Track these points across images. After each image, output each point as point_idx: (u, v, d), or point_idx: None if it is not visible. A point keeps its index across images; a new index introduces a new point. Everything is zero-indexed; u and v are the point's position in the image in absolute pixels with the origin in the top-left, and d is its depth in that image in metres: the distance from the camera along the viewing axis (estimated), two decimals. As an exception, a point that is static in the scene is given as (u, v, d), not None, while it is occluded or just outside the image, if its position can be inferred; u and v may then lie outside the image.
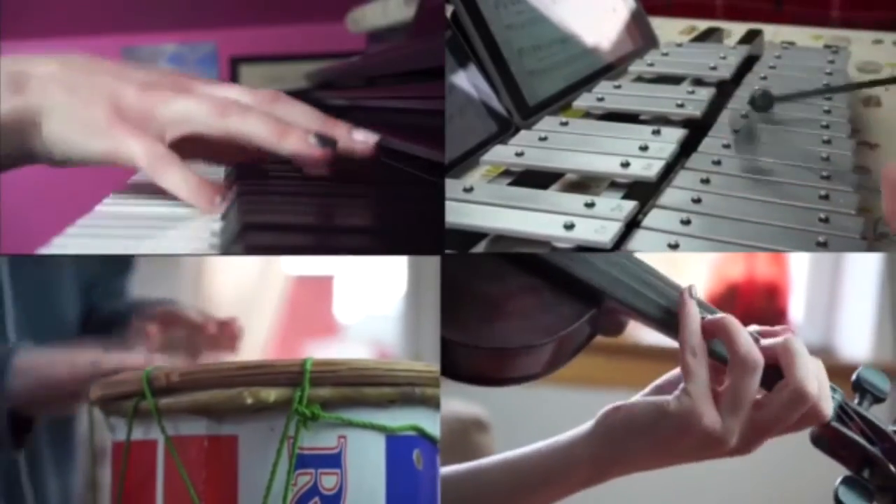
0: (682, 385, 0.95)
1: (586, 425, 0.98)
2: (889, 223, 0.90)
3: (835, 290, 3.07)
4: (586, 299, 0.98)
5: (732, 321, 0.96)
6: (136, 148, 1.01)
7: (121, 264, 1.49)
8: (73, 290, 1.43)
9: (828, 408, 0.96)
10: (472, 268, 0.97)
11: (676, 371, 1.00)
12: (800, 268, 3.07)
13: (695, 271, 3.04)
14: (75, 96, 1.01)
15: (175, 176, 1.03)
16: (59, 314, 1.40)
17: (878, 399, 1.02)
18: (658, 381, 1.02)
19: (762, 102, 1.32)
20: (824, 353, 3.02)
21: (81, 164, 1.04)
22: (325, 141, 1.08)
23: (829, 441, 0.99)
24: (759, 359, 0.94)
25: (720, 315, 0.97)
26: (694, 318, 0.96)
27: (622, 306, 0.98)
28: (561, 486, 0.99)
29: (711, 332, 0.96)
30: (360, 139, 1.12)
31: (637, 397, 0.99)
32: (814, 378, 0.95)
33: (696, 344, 0.95)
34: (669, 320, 0.98)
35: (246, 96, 1.07)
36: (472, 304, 0.95)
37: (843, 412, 0.99)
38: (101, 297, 1.45)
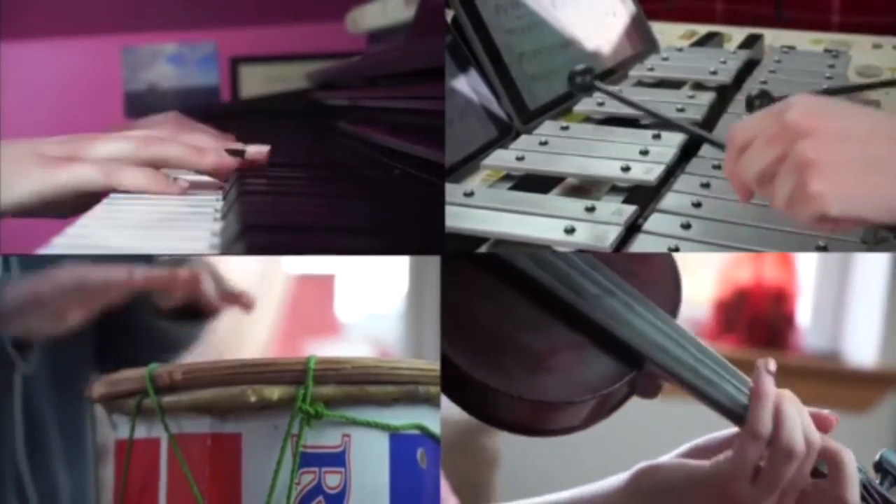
0: (729, 454, 0.96)
1: (620, 480, 1.00)
2: (732, 184, 0.91)
3: (842, 294, 3.07)
4: (628, 361, 0.99)
5: (787, 403, 0.97)
6: (84, 172, 1.10)
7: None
8: None
9: (851, 493, 0.98)
10: (517, 317, 0.98)
11: (718, 436, 1.02)
12: (807, 272, 3.07)
13: (703, 276, 3.05)
14: (4, 160, 1.09)
15: (131, 176, 1.13)
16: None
17: None
18: (696, 443, 1.03)
19: (760, 104, 1.32)
20: (832, 357, 3.02)
21: (37, 208, 1.11)
22: (235, 153, 1.23)
23: None
24: (802, 450, 0.96)
25: (778, 392, 0.98)
26: (769, 401, 0.97)
27: (663, 371, 1.00)
28: None
29: None
30: (254, 150, 1.26)
31: (671, 457, 1.01)
32: (800, 435, 0.96)
33: (762, 431, 0.96)
34: (710, 391, 0.99)
35: (149, 129, 1.22)
36: (516, 354, 0.96)
37: (866, 492, 1.02)
38: None
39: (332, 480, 0.91)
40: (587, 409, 0.98)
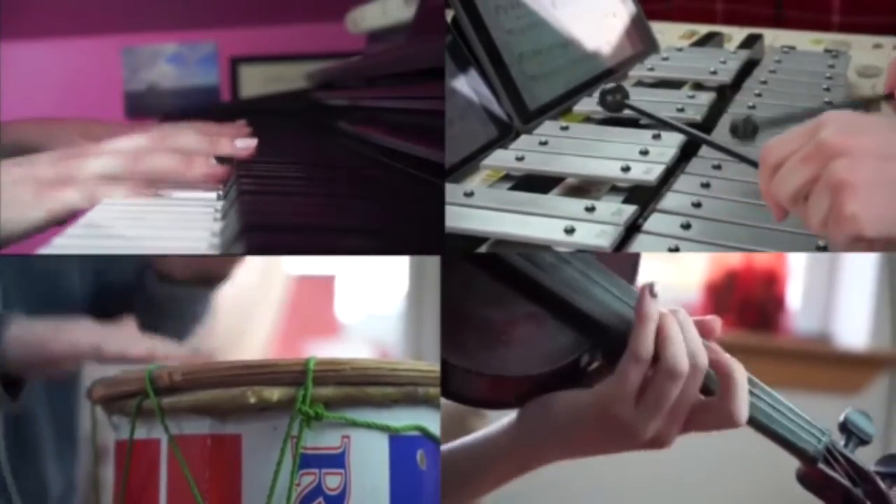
0: (610, 377, 0.95)
1: (512, 416, 0.99)
2: (768, 205, 0.91)
3: (833, 277, 3.08)
4: (587, 331, 0.98)
5: (670, 322, 0.96)
6: (71, 196, 1.14)
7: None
8: (79, 274, 1.44)
9: (739, 414, 0.97)
10: (475, 292, 0.97)
11: None
12: (798, 255, 3.07)
13: (694, 259, 3.05)
14: (3, 190, 1.12)
15: (118, 197, 1.16)
16: (64, 294, 1.42)
17: (863, 441, 1.05)
18: None
19: (745, 130, 1.31)
20: (822, 340, 3.03)
21: (33, 234, 1.14)
22: (222, 160, 1.27)
23: (815, 481, 1.03)
24: (685, 369, 0.94)
25: (665, 312, 0.96)
26: (651, 322, 0.95)
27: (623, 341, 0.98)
28: (486, 477, 1.00)
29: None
30: (242, 146, 1.30)
31: None
32: (683, 356, 0.94)
33: (644, 353, 0.94)
34: None
35: (141, 140, 1.23)
36: (474, 329, 0.96)
37: (829, 454, 1.03)
38: (111, 280, 1.45)
39: (331, 482, 0.91)
40: (546, 380, 0.97)
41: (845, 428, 1.05)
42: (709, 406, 0.97)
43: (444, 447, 1.01)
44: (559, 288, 0.97)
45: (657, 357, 0.94)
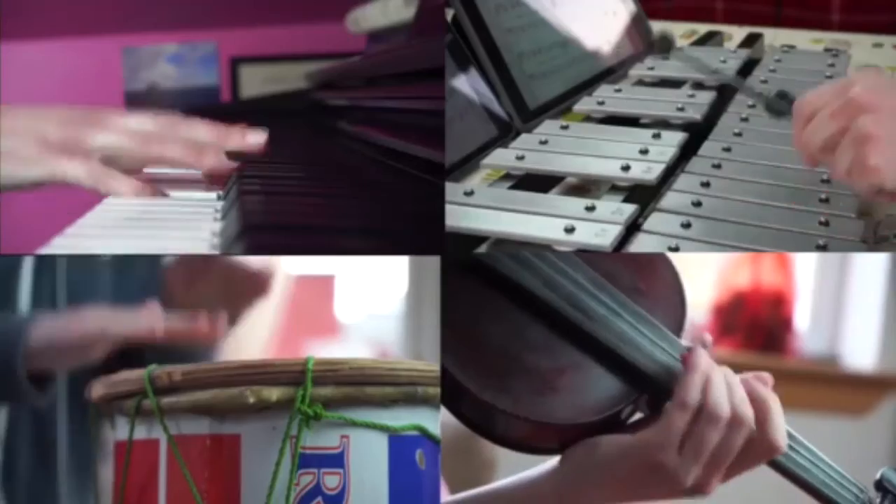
0: (656, 424, 0.95)
1: (554, 460, 0.99)
2: (799, 152, 0.97)
3: (841, 298, 3.07)
4: (634, 382, 0.98)
5: (715, 371, 0.97)
6: (75, 168, 1.11)
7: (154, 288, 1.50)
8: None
9: (778, 439, 0.98)
10: (525, 339, 0.97)
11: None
12: (805, 275, 3.07)
13: (701, 279, 3.05)
14: (4, 134, 1.10)
15: (120, 184, 1.14)
16: None
17: None
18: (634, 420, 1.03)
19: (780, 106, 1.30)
20: (830, 361, 3.02)
21: (24, 191, 1.13)
22: (233, 155, 1.24)
23: None
24: (726, 414, 0.95)
25: (711, 364, 0.97)
26: (699, 372, 0.96)
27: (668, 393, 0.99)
28: None
29: None
30: (253, 140, 1.25)
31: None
32: (724, 400, 0.95)
33: (690, 401, 0.95)
34: None
35: (153, 124, 1.19)
36: (523, 375, 0.95)
37: None
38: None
39: (330, 481, 0.91)
40: (591, 430, 0.97)
41: (881, 486, 1.06)
42: (749, 443, 0.97)
43: (486, 489, 1.02)
44: (609, 339, 0.98)
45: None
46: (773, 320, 3.02)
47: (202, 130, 1.22)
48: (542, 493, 0.99)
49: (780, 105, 1.11)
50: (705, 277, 3.05)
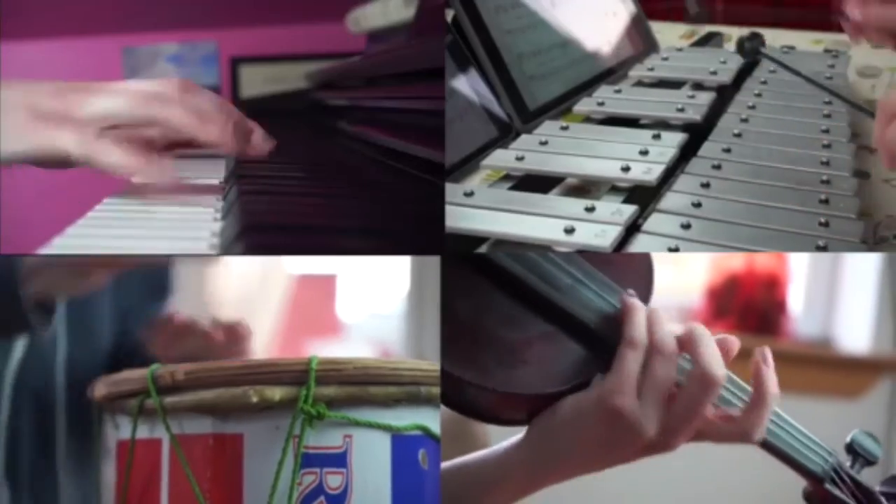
0: (608, 373, 0.95)
1: (522, 432, 0.99)
2: (880, 151, 0.94)
3: (834, 281, 3.07)
4: (601, 351, 0.98)
5: (654, 312, 0.97)
6: (64, 138, 1.04)
7: (158, 291, 1.48)
8: (109, 317, 1.44)
9: (756, 426, 0.98)
10: (493, 312, 0.97)
11: None
12: (799, 259, 3.07)
13: (695, 263, 3.05)
14: None
15: (112, 153, 1.05)
16: (95, 341, 1.42)
17: (869, 462, 1.06)
18: None
19: (751, 46, 1.31)
20: (824, 343, 3.02)
21: (14, 164, 1.06)
22: (240, 131, 1.16)
23: (821, 501, 1.04)
24: (674, 347, 0.95)
25: (646, 306, 0.98)
26: (640, 312, 0.96)
27: None
28: (498, 494, 0.99)
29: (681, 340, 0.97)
30: (257, 142, 1.20)
31: None
32: (719, 364, 0.95)
33: (639, 338, 0.95)
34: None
35: (157, 85, 1.11)
36: (490, 346, 0.96)
37: (836, 475, 1.03)
38: (135, 323, 1.44)
39: (333, 481, 0.91)
40: (560, 397, 0.97)
41: (852, 449, 1.05)
42: (730, 417, 0.97)
43: (456, 462, 1.01)
44: (575, 309, 0.98)
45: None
46: (766, 303, 3.03)
47: (213, 100, 1.15)
48: (511, 462, 0.98)
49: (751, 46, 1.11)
50: (699, 260, 3.05)
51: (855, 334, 2.99)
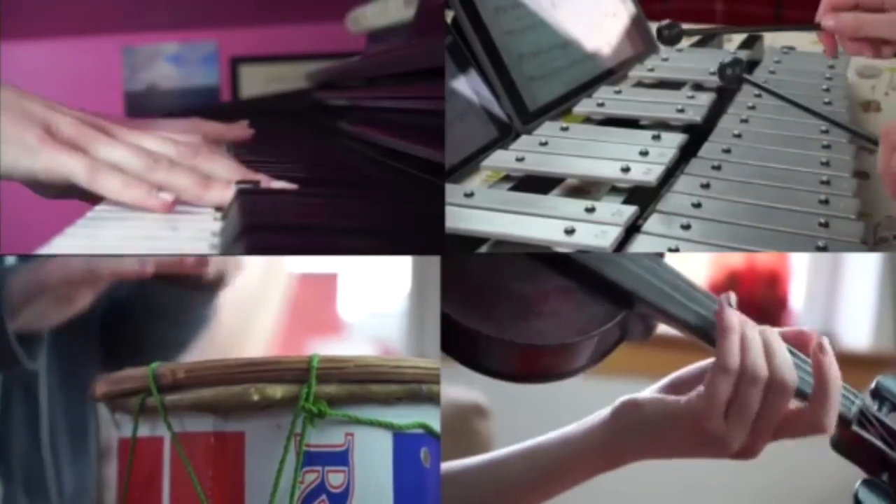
0: (701, 390, 0.96)
1: (601, 415, 1.01)
2: (884, 181, 0.94)
3: (835, 277, 3.07)
4: (618, 301, 0.99)
5: (750, 331, 0.98)
6: (73, 163, 1.07)
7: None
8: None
9: (825, 422, 0.98)
10: (506, 267, 0.98)
11: (694, 367, 1.03)
12: (800, 256, 3.07)
13: (695, 259, 3.04)
14: (6, 119, 1.06)
15: (115, 185, 1.09)
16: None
17: None
18: (675, 376, 1.04)
19: (732, 71, 1.31)
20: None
21: (16, 181, 1.09)
22: (247, 186, 1.17)
23: (848, 445, 1.03)
24: (764, 373, 0.95)
25: (744, 320, 0.98)
26: (735, 336, 0.97)
27: (653, 310, 1.00)
28: (578, 473, 1.01)
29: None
30: (279, 187, 1.20)
31: (651, 391, 1.02)
32: (791, 371, 0.96)
33: (731, 364, 0.95)
34: (701, 325, 1.01)
35: (169, 145, 1.15)
36: (507, 301, 0.97)
37: (863, 417, 1.03)
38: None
39: (335, 479, 0.91)
40: (578, 352, 0.98)
41: (878, 393, 1.05)
42: (800, 413, 0.98)
43: (528, 443, 1.03)
44: (588, 260, 0.99)
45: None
46: (767, 299, 3.02)
47: (223, 167, 1.18)
48: (593, 444, 1.00)
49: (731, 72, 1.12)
50: (700, 256, 3.05)
51: (855, 331, 2.99)
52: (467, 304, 0.95)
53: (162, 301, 1.40)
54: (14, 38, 2.86)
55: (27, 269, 1.23)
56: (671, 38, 1.40)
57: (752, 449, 0.97)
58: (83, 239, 1.04)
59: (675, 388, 1.02)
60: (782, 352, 0.98)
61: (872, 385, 1.05)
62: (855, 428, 1.02)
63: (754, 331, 0.98)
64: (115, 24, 3.02)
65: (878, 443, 1.02)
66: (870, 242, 1.11)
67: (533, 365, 0.99)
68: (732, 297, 1.00)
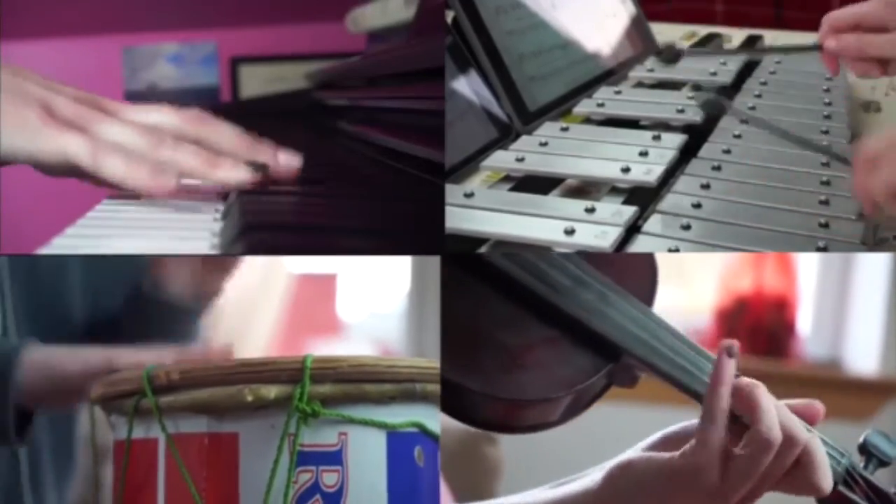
0: (692, 443, 0.94)
1: (594, 480, 0.98)
2: (861, 199, 0.93)
3: (843, 302, 3.07)
4: (604, 353, 0.98)
5: (761, 393, 0.95)
6: (75, 144, 1.02)
7: (130, 268, 1.46)
8: (80, 292, 1.42)
9: (825, 480, 0.97)
10: (491, 316, 0.97)
11: (688, 424, 1.00)
12: (808, 279, 3.07)
13: (703, 283, 3.04)
14: (4, 101, 1.02)
15: (118, 166, 1.03)
16: (64, 315, 1.40)
17: (883, 463, 1.04)
18: (668, 432, 1.01)
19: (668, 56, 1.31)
20: (833, 365, 3.02)
21: (19, 163, 1.04)
22: (257, 167, 1.11)
23: (834, 503, 1.01)
24: (779, 439, 0.94)
25: (749, 382, 0.96)
26: (726, 384, 0.95)
27: (639, 363, 0.99)
28: None
29: (738, 399, 0.95)
30: (284, 161, 1.15)
31: (644, 448, 0.99)
32: (776, 426, 0.94)
33: (719, 412, 0.94)
34: (687, 380, 0.99)
35: (172, 118, 1.11)
36: (490, 352, 0.95)
37: (849, 475, 1.01)
38: (108, 300, 1.43)
39: (329, 479, 0.91)
40: (564, 404, 0.97)
41: (865, 449, 1.04)
42: (794, 477, 0.96)
43: (519, 499, 1.01)
44: (575, 311, 0.98)
45: (745, 426, 0.94)
46: (775, 325, 3.02)
47: (228, 137, 1.13)
48: None
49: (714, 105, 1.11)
50: (707, 281, 3.05)
51: (864, 356, 2.99)
52: (451, 355, 0.94)
53: (153, 315, 1.39)
54: (14, 38, 2.86)
55: (42, 353, 1.20)
56: (669, 60, 1.39)
57: (749, 500, 0.95)
58: (83, 239, 1.04)
59: (668, 444, 0.99)
60: (784, 408, 0.96)
61: (861, 440, 1.04)
62: (841, 488, 1.00)
63: (766, 393, 0.95)
64: (115, 24, 3.02)
65: (864, 503, 1.01)
66: (870, 243, 1.11)
67: (517, 417, 0.97)
68: (735, 346, 0.97)
